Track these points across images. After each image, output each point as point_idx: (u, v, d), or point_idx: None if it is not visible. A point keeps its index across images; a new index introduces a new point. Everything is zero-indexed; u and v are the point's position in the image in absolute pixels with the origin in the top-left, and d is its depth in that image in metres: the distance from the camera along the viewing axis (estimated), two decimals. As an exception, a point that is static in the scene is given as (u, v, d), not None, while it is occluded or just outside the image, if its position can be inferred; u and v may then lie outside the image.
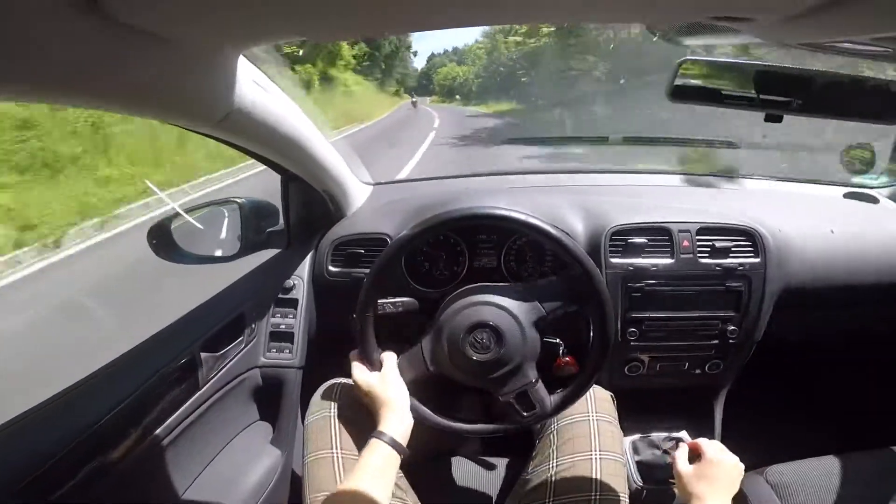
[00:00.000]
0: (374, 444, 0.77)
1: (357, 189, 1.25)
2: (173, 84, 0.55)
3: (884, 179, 1.40)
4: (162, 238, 1.07)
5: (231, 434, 1.09)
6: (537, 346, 0.86)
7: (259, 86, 0.70)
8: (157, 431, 0.85)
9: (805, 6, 0.34)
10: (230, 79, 0.62)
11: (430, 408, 0.88)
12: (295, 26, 0.48)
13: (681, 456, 0.82)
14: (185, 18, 0.42)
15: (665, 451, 1.14)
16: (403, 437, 0.80)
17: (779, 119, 0.68)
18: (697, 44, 0.62)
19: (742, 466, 0.80)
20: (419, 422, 0.85)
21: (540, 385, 0.86)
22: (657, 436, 1.19)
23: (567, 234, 0.90)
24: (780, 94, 0.69)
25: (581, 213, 1.12)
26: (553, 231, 0.83)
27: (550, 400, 0.87)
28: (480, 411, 0.93)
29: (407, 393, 0.85)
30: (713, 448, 0.81)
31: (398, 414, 0.82)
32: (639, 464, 1.15)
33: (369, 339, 0.87)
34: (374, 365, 0.87)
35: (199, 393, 0.95)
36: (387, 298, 0.92)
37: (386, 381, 0.85)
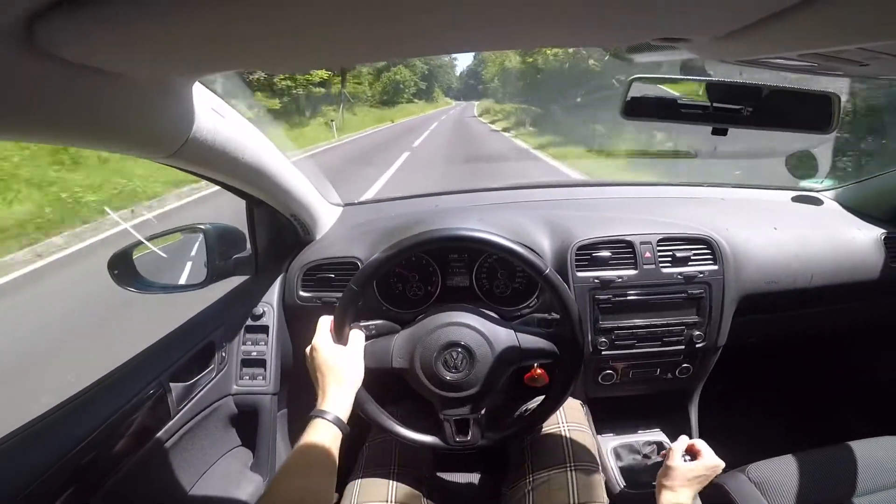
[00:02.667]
0: (320, 424, 0.74)
1: (326, 211, 1.25)
2: (124, 116, 0.54)
3: (828, 182, 1.49)
4: (123, 267, 1.04)
5: (209, 461, 1.06)
6: (504, 375, 0.88)
7: (217, 113, 0.69)
8: (133, 460, 0.83)
9: (731, 28, 0.37)
10: (185, 107, 0.62)
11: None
12: (246, 59, 0.48)
13: (678, 449, 0.85)
14: (130, 53, 0.42)
15: (646, 455, 1.16)
16: (346, 416, 0.78)
17: (724, 132, 0.72)
18: (646, 61, 0.65)
19: (722, 464, 0.84)
20: (357, 411, 0.86)
21: (481, 418, 0.89)
22: (637, 441, 1.21)
23: (535, 251, 0.94)
24: (732, 102, 0.73)
25: (547, 229, 1.15)
26: (515, 246, 0.86)
27: (484, 434, 0.90)
28: (415, 418, 0.94)
29: (362, 377, 0.84)
30: (707, 449, 0.85)
31: (346, 393, 0.80)
32: (622, 469, 1.17)
33: (348, 313, 0.86)
34: (342, 339, 0.86)
35: (170, 423, 0.92)
36: (360, 322, 0.92)
37: (347, 358, 0.83)
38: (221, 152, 0.74)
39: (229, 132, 0.74)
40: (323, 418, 0.75)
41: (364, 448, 1.02)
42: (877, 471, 0.93)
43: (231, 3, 0.30)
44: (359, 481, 0.92)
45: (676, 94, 0.81)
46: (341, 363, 0.82)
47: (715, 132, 0.72)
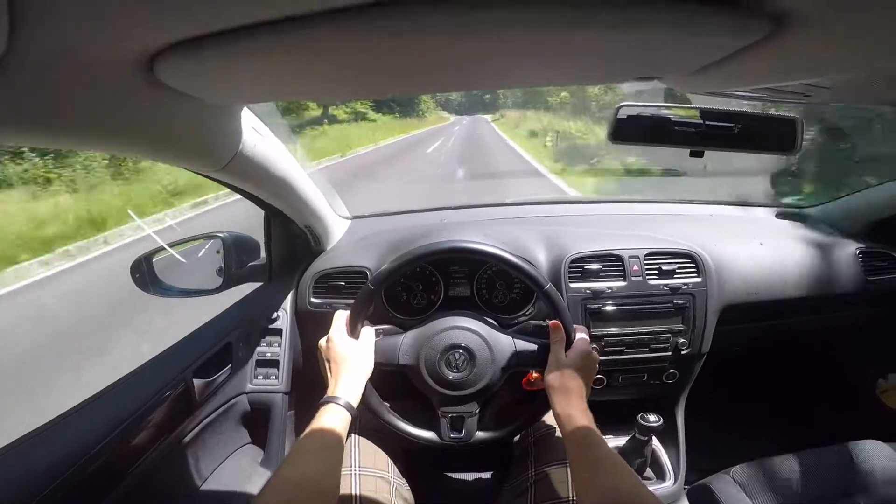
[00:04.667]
0: (333, 409, 0.79)
1: (336, 223, 1.32)
2: (190, 134, 0.62)
3: (809, 200, 1.57)
4: (144, 272, 1.10)
5: (222, 457, 1.12)
6: (501, 378, 0.94)
7: (257, 132, 0.77)
8: (156, 452, 0.87)
9: (692, 69, 0.45)
10: (236, 128, 0.70)
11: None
12: (298, 89, 0.56)
13: (558, 342, 0.89)
14: (216, 85, 0.49)
15: (643, 440, 1.16)
16: (356, 403, 0.83)
17: (701, 154, 0.80)
18: (633, 90, 0.73)
19: (596, 357, 0.90)
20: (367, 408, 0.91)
21: (476, 417, 0.94)
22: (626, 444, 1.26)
23: (531, 263, 1.00)
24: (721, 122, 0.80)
25: (543, 243, 1.23)
26: (520, 262, 0.92)
27: (477, 433, 0.94)
28: (412, 414, 0.98)
29: (371, 370, 0.90)
30: (582, 334, 0.90)
31: (358, 382, 0.86)
32: None
33: (363, 310, 0.92)
34: (355, 333, 0.91)
35: (191, 417, 0.98)
36: (375, 326, 0.98)
37: (360, 351, 0.89)
38: (259, 167, 0.82)
39: (266, 149, 0.82)
40: (336, 403, 0.79)
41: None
42: (858, 474, 0.97)
43: (282, 46, 0.38)
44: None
45: (671, 115, 0.88)
46: (355, 355, 0.88)
47: (692, 154, 0.80)
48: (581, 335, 0.91)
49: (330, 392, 0.83)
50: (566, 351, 0.88)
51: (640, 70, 0.48)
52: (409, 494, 0.95)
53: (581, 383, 0.83)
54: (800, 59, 0.41)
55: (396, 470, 0.96)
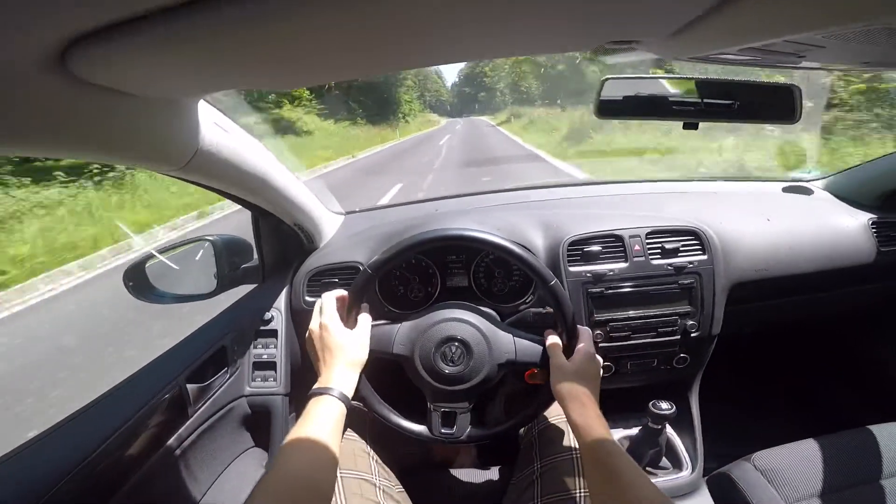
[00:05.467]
0: (327, 400, 0.75)
1: (328, 220, 1.30)
2: (139, 133, 0.59)
3: (816, 172, 1.52)
4: (138, 279, 1.09)
5: (226, 461, 1.11)
6: (497, 376, 0.91)
7: (220, 127, 0.75)
8: (152, 461, 0.86)
9: (672, 29, 0.42)
10: (192, 124, 0.67)
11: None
12: (245, 78, 0.53)
13: (556, 344, 0.86)
14: (146, 77, 0.46)
15: (656, 429, 1.11)
16: (350, 394, 0.80)
17: (695, 126, 0.76)
18: (616, 62, 0.70)
19: (600, 361, 0.87)
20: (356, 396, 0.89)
21: (468, 413, 0.91)
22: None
23: (527, 248, 0.97)
24: (718, 97, 0.77)
25: (540, 228, 1.19)
26: (513, 247, 0.89)
27: (469, 430, 0.91)
28: (403, 407, 0.96)
29: (366, 359, 0.86)
30: (586, 337, 0.87)
31: (352, 372, 0.82)
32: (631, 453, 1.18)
33: (361, 296, 0.90)
34: (350, 319, 0.89)
35: (188, 423, 0.97)
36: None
37: (356, 339, 0.86)
38: (227, 165, 0.79)
39: (233, 146, 0.79)
40: (329, 394, 0.76)
41: None
42: (882, 458, 0.95)
43: (231, 30, 0.35)
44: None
45: (672, 90, 0.84)
46: (350, 343, 0.85)
47: (686, 126, 0.77)
48: (584, 339, 0.87)
49: (322, 383, 0.79)
50: (569, 355, 0.85)
51: (613, 33, 0.44)
52: (401, 496, 0.92)
53: (591, 388, 0.81)
54: (779, 10, 0.37)
55: (381, 470, 0.93)
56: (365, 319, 0.90)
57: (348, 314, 0.89)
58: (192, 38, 0.35)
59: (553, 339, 0.88)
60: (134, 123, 0.57)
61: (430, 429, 0.91)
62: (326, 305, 0.89)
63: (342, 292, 0.93)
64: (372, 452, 0.94)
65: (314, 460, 0.67)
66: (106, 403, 0.85)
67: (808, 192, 1.44)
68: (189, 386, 0.97)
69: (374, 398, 0.92)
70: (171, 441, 0.92)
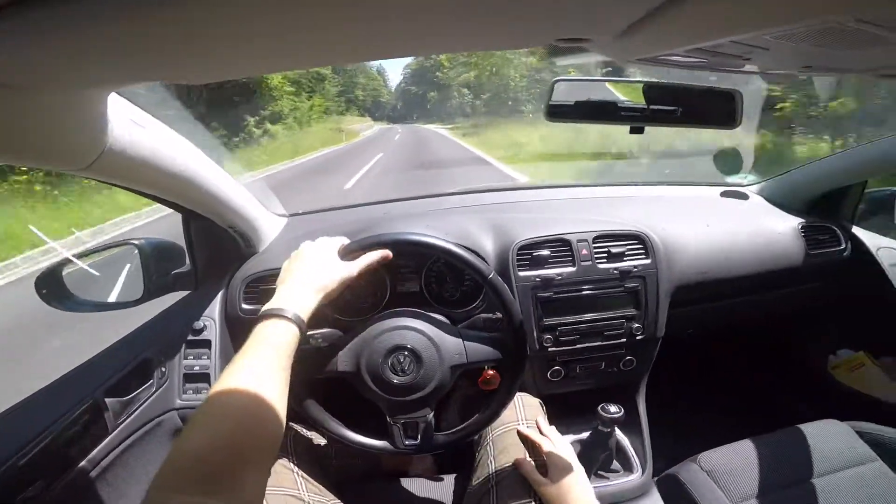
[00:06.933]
0: (277, 322, 0.64)
1: (268, 222, 1.23)
2: (32, 131, 0.52)
3: (752, 178, 1.59)
4: (53, 286, 0.99)
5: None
6: (451, 379, 0.89)
7: (136, 124, 0.68)
8: (68, 478, 0.78)
9: (623, 26, 0.40)
10: (99, 120, 0.60)
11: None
12: (159, 70, 0.47)
13: (530, 470, 0.87)
14: (35, 68, 0.40)
15: (605, 432, 1.13)
16: (306, 317, 0.69)
17: (641, 130, 0.76)
18: (566, 63, 0.68)
19: (571, 451, 0.89)
20: (305, 419, 0.86)
21: (431, 421, 0.89)
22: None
23: (476, 252, 0.95)
24: (663, 103, 0.77)
25: (490, 232, 1.18)
26: (462, 252, 0.87)
27: (435, 437, 0.90)
28: (362, 421, 0.92)
29: (334, 289, 0.76)
30: (555, 448, 0.88)
31: (311, 293, 0.72)
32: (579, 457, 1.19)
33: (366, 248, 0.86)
34: (345, 257, 0.82)
35: (109, 437, 0.89)
36: (312, 331, 0.91)
37: (329, 264, 0.78)
38: (143, 164, 0.71)
39: (151, 143, 0.72)
40: (281, 315, 0.64)
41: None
42: (821, 454, 1.00)
43: (137, 17, 0.30)
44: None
45: (619, 96, 0.84)
46: (319, 267, 0.75)
47: (632, 130, 0.77)
48: (554, 447, 0.89)
49: (274, 303, 0.68)
50: (545, 473, 0.85)
51: (561, 29, 0.42)
52: None
53: (579, 492, 0.82)
54: (724, 9, 0.36)
55: (308, 485, 0.87)
56: (355, 263, 0.82)
57: (345, 253, 0.83)
58: (73, 25, 0.30)
59: (522, 461, 0.88)
60: (25, 120, 0.49)
61: (393, 443, 0.88)
62: (321, 240, 0.82)
63: (345, 240, 0.87)
64: (295, 468, 0.88)
65: (258, 391, 0.55)
66: (8, 419, 0.77)
67: (744, 196, 1.51)
68: (109, 400, 0.89)
69: (327, 417, 0.88)
70: (92, 455, 0.84)
